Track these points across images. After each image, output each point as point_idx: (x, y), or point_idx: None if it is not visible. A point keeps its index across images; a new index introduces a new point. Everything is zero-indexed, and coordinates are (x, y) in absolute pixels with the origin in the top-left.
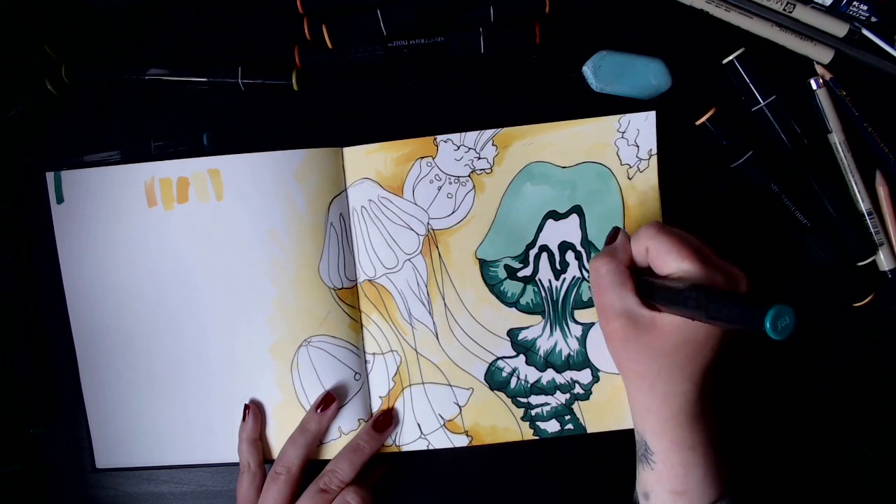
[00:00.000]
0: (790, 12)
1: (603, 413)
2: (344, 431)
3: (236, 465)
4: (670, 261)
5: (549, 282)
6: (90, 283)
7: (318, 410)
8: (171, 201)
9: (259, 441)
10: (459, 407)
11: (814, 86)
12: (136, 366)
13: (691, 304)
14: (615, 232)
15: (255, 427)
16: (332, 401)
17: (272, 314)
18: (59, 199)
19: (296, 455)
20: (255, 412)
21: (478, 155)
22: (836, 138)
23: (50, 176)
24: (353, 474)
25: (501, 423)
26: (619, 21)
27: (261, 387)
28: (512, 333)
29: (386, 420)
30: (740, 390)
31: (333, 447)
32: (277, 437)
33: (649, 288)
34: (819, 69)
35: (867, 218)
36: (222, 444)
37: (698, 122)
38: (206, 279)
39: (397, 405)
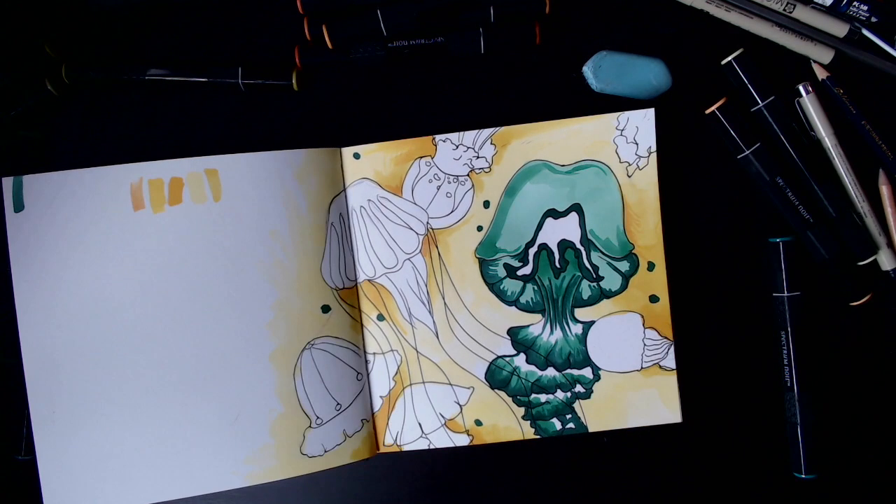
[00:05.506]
0: (790, 12)
1: (604, 411)
2: (349, 434)
3: (225, 493)
4: None
5: (549, 280)
6: (49, 301)
7: None
8: (162, 203)
9: None
10: (460, 406)
11: (802, 92)
12: (109, 396)
13: None
14: None
15: None
16: None
17: (273, 318)
18: (18, 207)
19: None
20: None
21: (476, 154)
22: (829, 142)
23: (7, 181)
24: None
25: (502, 422)
26: (619, 21)
27: (259, 398)
28: (512, 332)
29: None
30: (740, 390)
31: (339, 452)
32: (278, 453)
33: None
34: (816, 67)
35: (868, 218)
36: (215, 470)
37: (708, 111)
38: (198, 286)
39: (398, 405)
